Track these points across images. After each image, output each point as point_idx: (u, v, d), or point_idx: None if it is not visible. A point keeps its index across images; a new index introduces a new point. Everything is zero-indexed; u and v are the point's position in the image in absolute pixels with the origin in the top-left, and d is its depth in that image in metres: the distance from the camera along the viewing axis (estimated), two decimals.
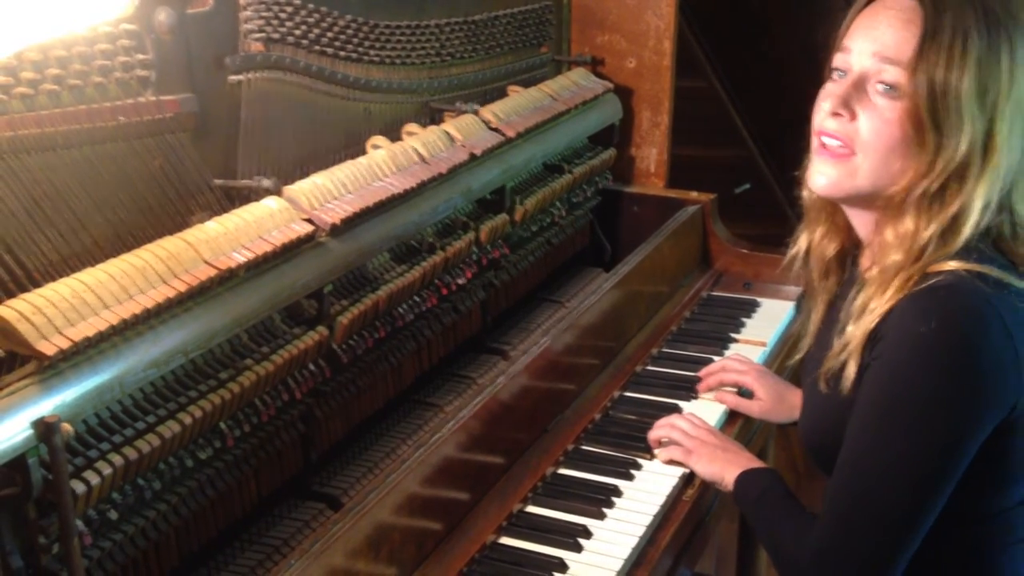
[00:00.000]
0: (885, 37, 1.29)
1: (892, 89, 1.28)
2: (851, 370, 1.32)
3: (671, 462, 1.68)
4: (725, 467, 1.58)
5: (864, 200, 1.36)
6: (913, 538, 1.28)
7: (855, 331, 1.31)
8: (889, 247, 1.31)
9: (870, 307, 1.30)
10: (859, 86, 1.31)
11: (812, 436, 1.48)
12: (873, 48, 1.30)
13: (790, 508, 1.44)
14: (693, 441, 1.66)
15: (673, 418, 1.74)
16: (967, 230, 1.27)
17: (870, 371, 1.29)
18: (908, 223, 1.29)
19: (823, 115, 1.35)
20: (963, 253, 1.27)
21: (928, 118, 1.25)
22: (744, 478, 1.54)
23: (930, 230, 1.27)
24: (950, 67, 1.24)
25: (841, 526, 1.30)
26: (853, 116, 1.31)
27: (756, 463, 1.57)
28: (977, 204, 1.26)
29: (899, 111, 1.27)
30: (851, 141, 1.32)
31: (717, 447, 1.64)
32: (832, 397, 1.36)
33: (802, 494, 1.50)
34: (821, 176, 1.36)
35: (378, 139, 1.75)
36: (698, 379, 1.95)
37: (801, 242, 1.56)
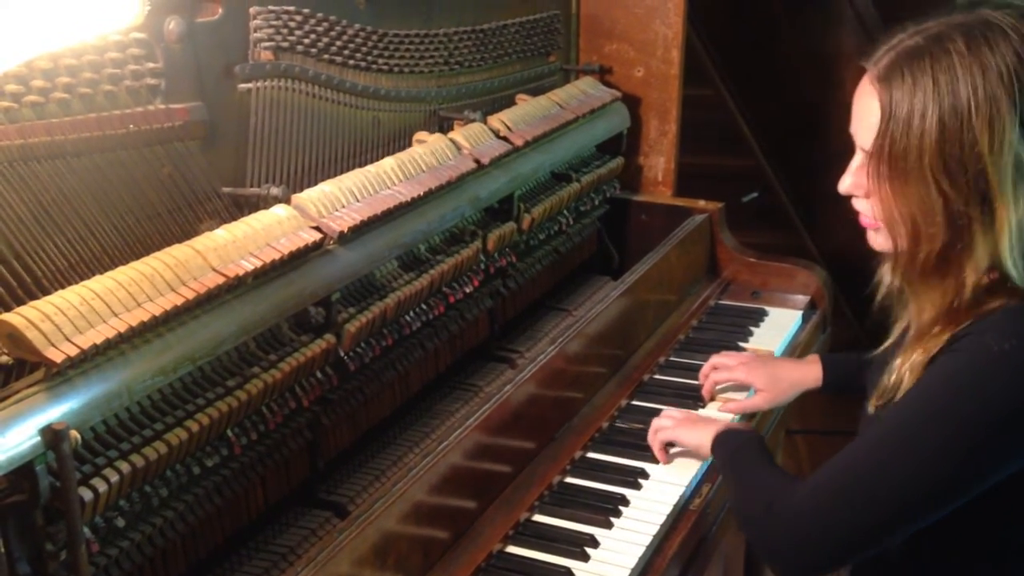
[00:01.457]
0: (859, 127, 1.32)
1: (875, 177, 1.29)
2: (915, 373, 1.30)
3: (663, 452, 1.71)
4: (705, 432, 1.62)
5: None
6: (887, 540, 1.26)
7: (917, 357, 1.30)
8: (922, 310, 1.32)
9: (904, 368, 1.30)
10: (860, 170, 1.33)
11: None
12: (856, 136, 1.33)
13: (770, 462, 1.45)
14: (675, 420, 1.72)
15: (655, 422, 1.75)
16: (1013, 278, 1.24)
17: (931, 368, 1.27)
18: (924, 300, 1.30)
19: None
20: None
21: (902, 195, 1.25)
22: (723, 435, 1.57)
23: (964, 294, 1.25)
24: (909, 146, 1.22)
25: (830, 500, 1.27)
26: (867, 194, 1.33)
27: (736, 427, 1.60)
28: (1005, 259, 1.23)
29: (878, 191, 1.29)
30: (872, 215, 1.34)
31: (699, 420, 1.73)
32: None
33: None
34: (872, 241, 1.39)
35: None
36: None
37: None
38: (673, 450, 1.73)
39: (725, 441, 1.56)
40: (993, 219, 1.22)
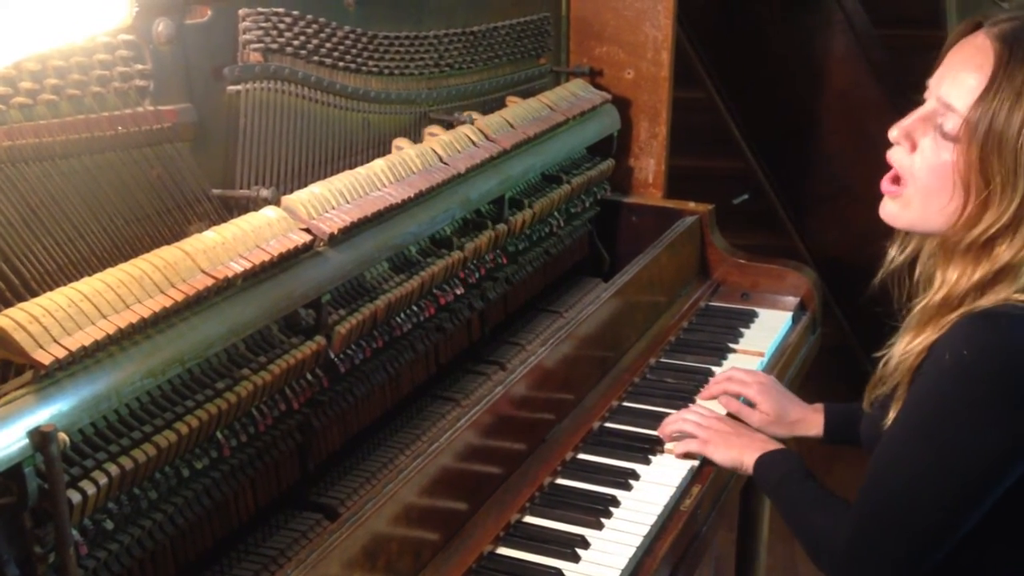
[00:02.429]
0: (954, 81, 1.27)
1: (950, 134, 1.27)
2: (904, 385, 1.33)
3: (687, 455, 1.70)
4: (743, 452, 1.61)
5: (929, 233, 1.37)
6: (941, 546, 1.28)
7: (909, 360, 1.32)
8: (932, 290, 1.32)
9: (906, 350, 1.32)
10: (926, 120, 1.31)
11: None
12: (941, 90, 1.29)
13: (814, 492, 1.46)
14: (707, 431, 1.69)
15: (683, 412, 1.76)
16: (1009, 287, 1.24)
17: (914, 383, 1.31)
18: (952, 271, 1.29)
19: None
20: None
21: (978, 170, 1.23)
22: (763, 461, 1.56)
23: (972, 280, 1.26)
24: (1010, 121, 1.20)
25: (870, 524, 1.32)
26: (913, 147, 1.31)
27: (772, 445, 1.60)
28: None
29: (952, 155, 1.26)
30: (906, 171, 1.32)
31: (731, 433, 1.68)
32: (878, 419, 1.37)
33: None
34: (883, 208, 1.37)
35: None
36: (696, 390, 1.95)
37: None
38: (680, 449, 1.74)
39: (768, 469, 1.55)
40: None
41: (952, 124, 1.25)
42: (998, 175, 1.21)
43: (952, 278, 1.28)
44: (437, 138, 1.84)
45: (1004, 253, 1.24)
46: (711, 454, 1.67)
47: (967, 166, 1.24)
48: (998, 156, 1.20)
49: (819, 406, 1.83)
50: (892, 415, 1.35)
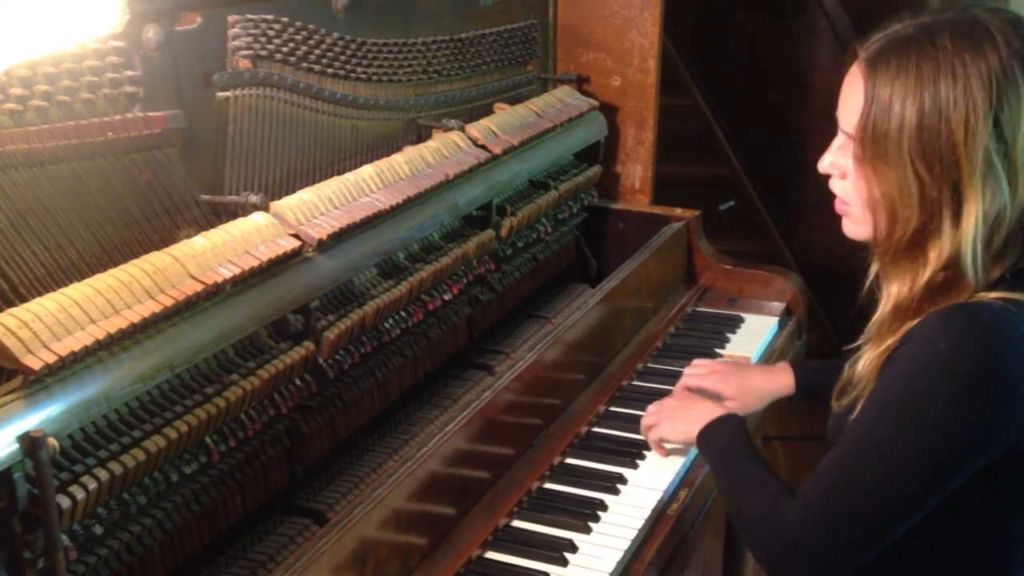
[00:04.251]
0: (845, 109, 1.35)
1: (856, 158, 1.33)
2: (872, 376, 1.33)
3: (659, 447, 1.75)
4: (689, 424, 1.62)
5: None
6: (887, 539, 1.28)
7: (878, 351, 1.33)
8: (882, 303, 1.35)
9: (869, 360, 1.33)
10: (843, 149, 1.37)
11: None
12: (842, 122, 1.37)
13: (756, 471, 1.43)
14: (658, 414, 1.73)
15: (643, 422, 1.78)
16: (968, 272, 1.26)
17: (885, 371, 1.30)
18: (893, 284, 1.32)
19: None
20: (998, 284, 1.28)
21: (875, 181, 1.29)
22: (705, 433, 1.57)
23: (918, 286, 1.29)
24: (886, 129, 1.26)
25: (821, 511, 1.30)
26: (843, 174, 1.38)
27: (715, 412, 1.59)
28: (966, 250, 1.26)
29: (857, 177, 1.33)
30: (846, 197, 1.39)
31: (678, 408, 1.71)
32: (844, 418, 1.38)
33: None
34: (844, 227, 1.42)
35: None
36: None
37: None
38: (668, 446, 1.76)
39: (710, 440, 1.55)
40: (960, 209, 1.25)
41: (855, 149, 1.32)
42: (891, 178, 1.28)
43: (894, 290, 1.32)
44: (426, 144, 1.85)
45: (932, 253, 1.27)
46: (664, 434, 1.70)
47: (868, 180, 1.31)
48: (885, 162, 1.27)
49: (784, 364, 1.87)
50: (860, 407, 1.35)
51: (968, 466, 1.25)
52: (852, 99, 1.32)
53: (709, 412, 1.60)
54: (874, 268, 1.40)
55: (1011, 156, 1.24)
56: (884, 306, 1.35)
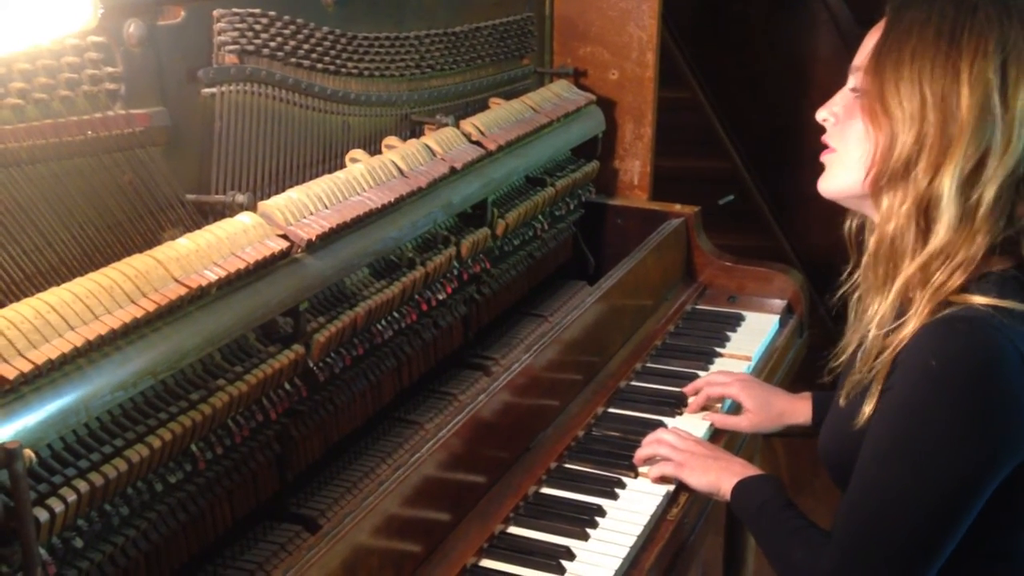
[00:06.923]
0: (858, 56, 1.39)
1: (857, 90, 1.37)
2: (875, 389, 1.31)
3: (662, 479, 1.65)
4: (720, 476, 1.56)
5: (857, 201, 1.41)
6: (927, 569, 1.26)
7: (884, 356, 1.31)
8: (873, 241, 1.35)
9: (875, 313, 1.33)
10: (843, 94, 1.41)
11: (830, 451, 1.46)
12: (850, 72, 1.40)
13: (794, 522, 1.42)
14: (683, 454, 1.64)
15: (659, 433, 1.71)
16: (943, 222, 1.26)
17: (883, 399, 1.29)
18: (879, 210, 1.33)
19: None
20: (986, 286, 1.25)
21: (882, 103, 1.30)
22: (741, 488, 1.52)
23: (902, 215, 1.29)
24: (899, 66, 1.28)
25: (852, 553, 1.29)
26: (838, 120, 1.41)
27: (751, 470, 1.55)
28: (944, 192, 1.26)
29: (860, 106, 1.35)
30: (832, 139, 1.42)
31: (708, 456, 1.62)
32: (851, 414, 1.34)
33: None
34: (818, 185, 1.44)
35: (357, 152, 1.72)
36: (683, 394, 1.93)
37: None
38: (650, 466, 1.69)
39: (746, 496, 1.51)
40: (950, 144, 1.25)
41: (859, 83, 1.36)
42: (895, 99, 1.29)
43: (884, 210, 1.32)
44: (419, 140, 1.81)
45: (917, 183, 1.28)
46: (687, 478, 1.61)
47: (871, 104, 1.32)
48: (895, 82, 1.29)
49: (806, 395, 1.82)
50: (866, 410, 1.32)
51: (988, 477, 1.23)
52: (869, 42, 1.36)
53: (745, 469, 1.56)
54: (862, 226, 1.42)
55: (1009, 105, 1.25)
56: (873, 240, 1.35)
